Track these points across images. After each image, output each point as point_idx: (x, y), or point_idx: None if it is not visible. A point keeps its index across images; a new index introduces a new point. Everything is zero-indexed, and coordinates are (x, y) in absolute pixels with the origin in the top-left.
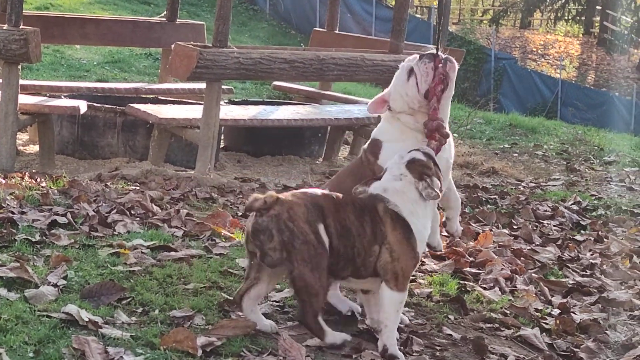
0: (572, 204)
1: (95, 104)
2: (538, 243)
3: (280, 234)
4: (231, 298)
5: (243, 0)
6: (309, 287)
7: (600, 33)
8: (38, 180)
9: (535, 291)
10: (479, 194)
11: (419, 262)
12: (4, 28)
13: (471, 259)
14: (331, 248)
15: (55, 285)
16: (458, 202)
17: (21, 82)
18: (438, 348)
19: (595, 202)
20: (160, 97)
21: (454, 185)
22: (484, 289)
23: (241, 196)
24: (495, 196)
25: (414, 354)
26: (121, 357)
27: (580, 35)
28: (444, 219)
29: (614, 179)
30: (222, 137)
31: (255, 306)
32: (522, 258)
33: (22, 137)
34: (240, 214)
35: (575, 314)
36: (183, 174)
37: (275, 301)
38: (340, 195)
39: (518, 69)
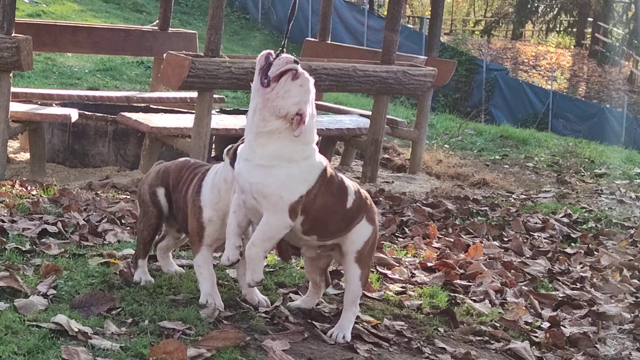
0: (562, 217)
1: (86, 112)
2: (528, 255)
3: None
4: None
5: (235, 9)
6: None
7: (591, 45)
8: (28, 188)
9: (525, 304)
10: (469, 206)
11: (204, 230)
12: None
13: (461, 271)
14: (171, 204)
15: (45, 295)
16: (256, 236)
17: (12, 89)
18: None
19: (586, 214)
20: (151, 106)
21: (264, 218)
22: (474, 301)
23: None
24: (485, 208)
25: None
26: None
27: (572, 47)
28: None
29: (604, 192)
30: (214, 146)
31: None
32: (512, 270)
33: (13, 144)
34: None
35: (565, 327)
36: None
37: (266, 312)
38: (197, 161)
39: (509, 80)
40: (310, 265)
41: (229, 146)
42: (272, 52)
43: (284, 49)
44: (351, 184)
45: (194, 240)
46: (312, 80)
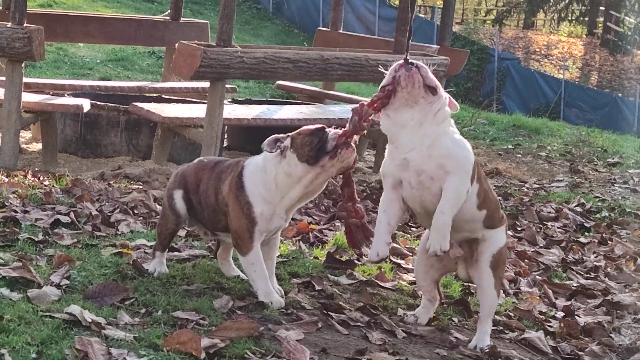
0: (576, 206)
1: (98, 103)
2: (542, 245)
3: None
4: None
5: None
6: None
7: (603, 34)
8: (41, 178)
9: (539, 294)
10: None
11: (257, 225)
12: (8, 26)
13: None
14: (191, 204)
15: (58, 286)
16: (444, 204)
17: (24, 80)
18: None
19: (599, 204)
20: (163, 96)
21: (449, 184)
22: None
23: None
24: (499, 197)
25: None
26: (124, 358)
27: (584, 36)
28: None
29: (617, 181)
30: (226, 136)
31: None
32: (526, 260)
33: (25, 135)
34: None
35: (579, 316)
36: None
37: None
38: (211, 159)
39: (521, 69)
40: (425, 275)
41: (280, 136)
42: (406, 66)
43: (408, 56)
44: None
45: (243, 237)
46: None
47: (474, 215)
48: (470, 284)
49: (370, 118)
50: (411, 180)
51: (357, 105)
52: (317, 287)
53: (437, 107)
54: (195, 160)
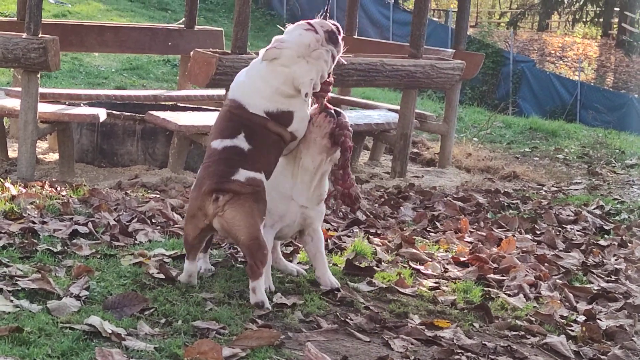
0: (595, 208)
1: (114, 112)
2: (562, 248)
3: None
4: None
5: (260, 5)
6: None
7: (618, 35)
8: (58, 189)
9: (560, 297)
10: (500, 199)
11: None
12: (23, 37)
13: (495, 265)
14: None
15: (77, 297)
16: None
17: (40, 90)
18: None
19: (618, 206)
20: (179, 104)
21: None
22: (509, 295)
23: None
24: (517, 201)
25: None
26: None
27: (599, 37)
28: None
29: (636, 182)
30: None
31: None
32: (545, 264)
33: (42, 145)
34: None
35: (601, 320)
36: None
37: (300, 310)
38: None
39: (537, 71)
40: None
41: None
42: None
43: None
44: None
45: None
46: None
47: None
48: (490, 289)
49: None
50: None
51: None
52: (337, 295)
53: None
54: None
